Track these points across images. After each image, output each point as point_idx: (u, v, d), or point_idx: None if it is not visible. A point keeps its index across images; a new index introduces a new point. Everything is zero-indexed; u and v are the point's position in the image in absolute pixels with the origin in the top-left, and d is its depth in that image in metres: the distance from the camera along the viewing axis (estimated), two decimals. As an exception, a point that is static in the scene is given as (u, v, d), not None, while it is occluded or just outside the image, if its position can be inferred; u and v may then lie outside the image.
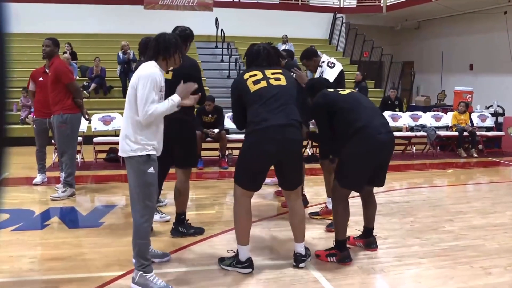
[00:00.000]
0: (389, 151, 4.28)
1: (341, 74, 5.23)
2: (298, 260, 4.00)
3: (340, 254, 4.18)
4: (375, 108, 4.33)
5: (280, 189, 6.34)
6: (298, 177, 4.03)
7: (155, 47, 3.61)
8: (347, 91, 4.34)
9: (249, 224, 3.93)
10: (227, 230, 5.00)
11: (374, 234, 4.58)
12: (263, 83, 3.83)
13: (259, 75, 3.88)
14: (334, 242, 4.23)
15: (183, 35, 4.58)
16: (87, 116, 6.65)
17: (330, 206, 5.55)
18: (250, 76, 3.89)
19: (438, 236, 4.95)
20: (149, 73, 3.48)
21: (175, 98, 3.56)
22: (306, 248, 4.09)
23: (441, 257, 4.37)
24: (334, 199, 4.25)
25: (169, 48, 3.60)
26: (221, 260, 4.02)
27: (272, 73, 3.93)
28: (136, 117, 3.49)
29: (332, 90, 4.40)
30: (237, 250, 3.94)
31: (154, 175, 3.61)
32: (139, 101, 3.43)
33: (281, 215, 5.57)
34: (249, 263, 3.88)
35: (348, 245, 4.31)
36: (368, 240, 4.56)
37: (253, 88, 3.82)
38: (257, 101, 3.77)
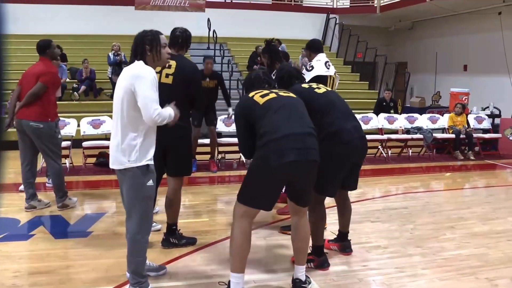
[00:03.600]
0: (361, 155, 4.19)
1: (315, 79, 5.06)
2: (298, 287, 3.61)
3: (317, 260, 4.08)
4: (349, 110, 4.13)
5: None
6: (312, 186, 3.59)
7: (140, 46, 3.37)
8: (322, 89, 4.10)
9: (248, 250, 3.43)
10: (220, 240, 4.81)
11: (349, 239, 4.52)
12: (272, 95, 3.51)
13: (266, 91, 3.56)
14: (311, 248, 4.02)
15: (184, 37, 4.44)
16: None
17: None
18: (256, 93, 3.56)
19: (440, 245, 4.78)
20: (145, 71, 3.25)
21: (172, 114, 3.40)
22: (306, 276, 3.66)
23: (444, 267, 4.20)
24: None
25: (153, 42, 3.38)
26: None
27: (279, 90, 3.65)
28: (132, 124, 3.24)
29: (307, 86, 4.15)
30: (228, 282, 3.46)
31: (153, 188, 3.41)
32: (143, 101, 3.17)
33: (276, 223, 5.38)
34: None
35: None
36: (343, 244, 4.50)
37: (261, 100, 3.45)
38: (268, 112, 3.39)
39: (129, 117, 3.26)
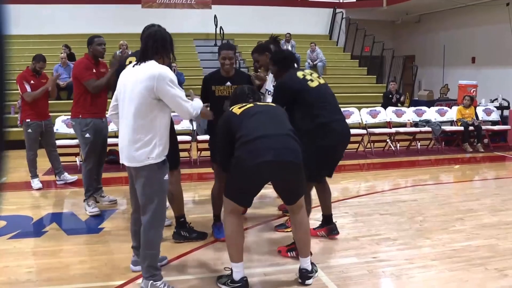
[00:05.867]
0: (345, 146, 4.45)
1: None
2: (304, 276, 3.68)
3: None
4: (338, 104, 4.41)
5: None
6: (300, 187, 3.63)
7: (154, 46, 3.43)
8: (315, 82, 4.28)
9: (241, 240, 3.60)
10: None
11: (334, 221, 4.70)
12: (249, 105, 3.64)
13: (244, 104, 3.70)
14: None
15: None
16: None
17: None
18: (235, 106, 3.71)
19: (449, 236, 4.79)
20: (166, 71, 3.35)
21: (201, 105, 3.62)
22: (312, 264, 3.78)
23: (453, 258, 4.21)
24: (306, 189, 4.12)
25: (167, 45, 3.49)
26: (219, 278, 3.74)
27: (260, 102, 3.86)
28: (151, 122, 3.32)
29: (301, 76, 4.27)
30: (231, 268, 3.63)
31: (167, 182, 3.51)
32: (175, 101, 3.34)
33: (281, 218, 5.40)
34: (242, 283, 3.55)
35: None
36: (329, 227, 4.68)
37: (238, 111, 3.59)
38: (244, 119, 3.51)
39: (149, 115, 3.32)
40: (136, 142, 3.34)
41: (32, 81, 6.60)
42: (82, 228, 5.25)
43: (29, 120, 6.59)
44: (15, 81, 6.77)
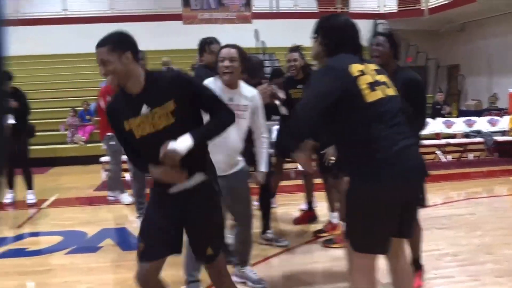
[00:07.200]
0: None
1: None
2: None
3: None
4: None
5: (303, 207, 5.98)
6: None
7: None
8: None
9: None
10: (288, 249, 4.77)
11: None
12: (379, 92, 2.54)
13: (368, 75, 2.56)
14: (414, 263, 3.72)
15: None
16: None
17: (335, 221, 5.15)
18: (360, 73, 2.54)
19: (512, 252, 4.59)
20: None
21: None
22: None
23: (521, 275, 4.02)
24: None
25: None
26: None
27: (376, 71, 2.64)
28: None
29: None
30: None
31: None
32: None
33: (317, 239, 5.21)
34: None
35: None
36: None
37: (369, 96, 2.50)
38: (374, 118, 2.49)
39: None
40: None
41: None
42: (136, 243, 5.26)
43: (110, 133, 6.70)
44: (62, 99, 6.95)
